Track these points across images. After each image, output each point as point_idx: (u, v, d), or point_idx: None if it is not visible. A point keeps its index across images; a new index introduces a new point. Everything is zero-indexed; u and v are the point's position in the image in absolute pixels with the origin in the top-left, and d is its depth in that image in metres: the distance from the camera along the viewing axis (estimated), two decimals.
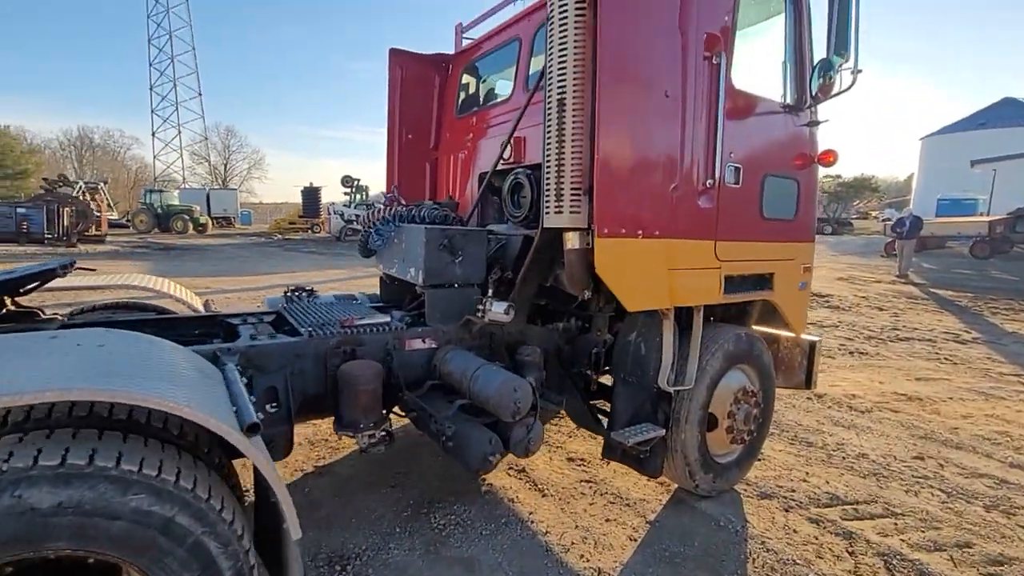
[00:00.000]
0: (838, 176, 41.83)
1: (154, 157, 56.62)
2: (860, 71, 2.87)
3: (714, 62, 2.72)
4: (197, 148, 60.24)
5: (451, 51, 4.39)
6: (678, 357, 2.97)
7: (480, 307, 2.83)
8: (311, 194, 33.30)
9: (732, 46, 2.81)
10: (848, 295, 11.79)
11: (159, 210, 30.79)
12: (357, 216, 27.59)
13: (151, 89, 55.93)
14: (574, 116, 2.40)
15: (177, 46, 56.18)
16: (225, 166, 67.23)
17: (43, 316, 2.68)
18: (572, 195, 2.45)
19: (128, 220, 30.91)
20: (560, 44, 2.41)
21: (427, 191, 4.56)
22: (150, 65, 55.60)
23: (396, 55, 4.30)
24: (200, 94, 58.66)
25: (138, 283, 3.20)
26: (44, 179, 24.94)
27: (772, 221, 3.20)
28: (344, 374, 2.48)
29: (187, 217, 30.71)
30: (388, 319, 2.90)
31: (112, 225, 26.11)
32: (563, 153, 2.43)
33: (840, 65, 2.84)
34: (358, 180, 30.22)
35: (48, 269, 2.63)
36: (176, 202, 32.66)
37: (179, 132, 57.37)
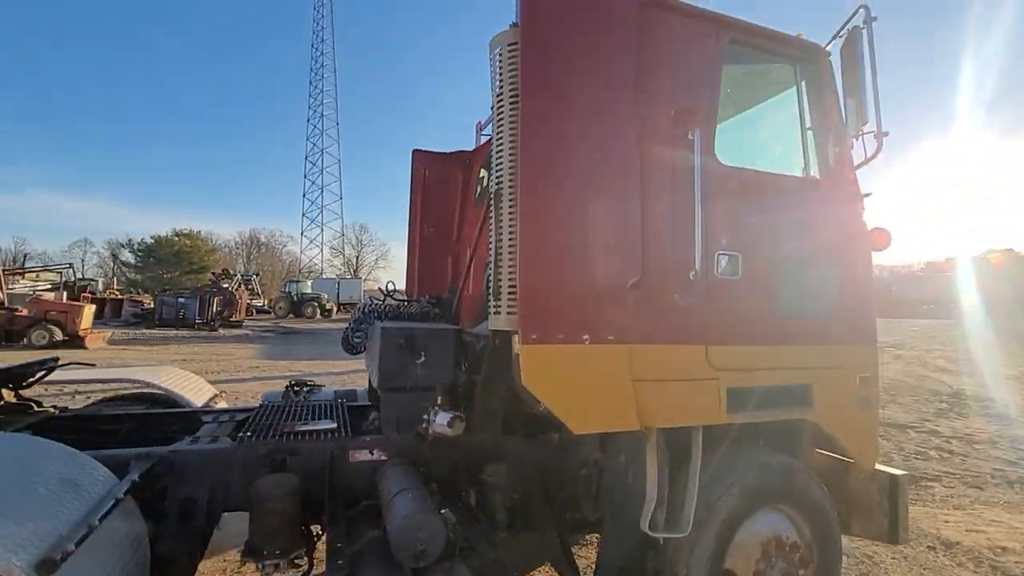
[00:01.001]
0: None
1: (300, 252, 66.47)
2: (886, 133, 2.30)
3: (689, 138, 2.34)
4: (335, 243, 69.34)
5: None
6: (671, 492, 2.34)
7: (426, 416, 2.51)
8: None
9: (713, 120, 2.42)
10: (1020, 400, 9.31)
11: (294, 298, 35.01)
12: None
13: (304, 196, 67.02)
14: (509, 207, 2.14)
15: (326, 159, 67.35)
16: (357, 258, 76.33)
17: (36, 409, 2.88)
18: (509, 293, 2.13)
19: (270, 307, 35.51)
20: (497, 131, 2.23)
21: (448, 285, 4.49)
22: (304, 177, 67.10)
23: (419, 155, 4.46)
24: (341, 198, 68.79)
25: (142, 377, 3.41)
26: (212, 272, 29.91)
27: (801, 320, 2.55)
28: (252, 490, 2.26)
29: (316, 304, 34.51)
30: (333, 426, 2.69)
31: (257, 311, 30.14)
32: (501, 247, 2.16)
33: (859, 131, 2.29)
34: None
35: (45, 362, 2.85)
36: (308, 291, 37.02)
37: (322, 231, 67.12)
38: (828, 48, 2.62)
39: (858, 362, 2.68)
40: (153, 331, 19.41)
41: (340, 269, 69.09)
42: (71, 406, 3.32)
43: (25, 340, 13.32)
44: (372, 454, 2.64)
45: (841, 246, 2.68)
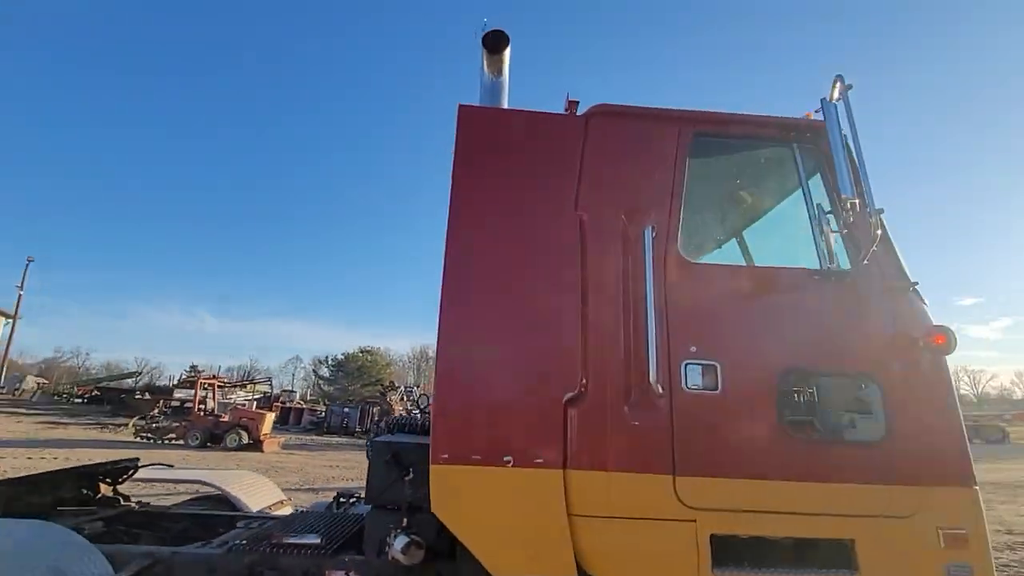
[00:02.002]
0: None
1: None
2: (881, 211, 1.86)
3: (648, 238, 2.15)
4: None
5: None
6: None
7: (388, 539, 2.40)
8: None
9: (676, 215, 2.21)
10: None
11: None
12: None
13: None
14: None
15: None
16: None
17: (122, 503, 3.42)
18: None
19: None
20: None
21: None
22: None
23: None
24: None
25: (206, 479, 3.86)
26: (381, 384, 33.48)
27: (829, 447, 1.98)
28: None
29: None
30: (317, 541, 2.70)
31: None
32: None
33: (848, 213, 1.89)
34: None
35: (132, 461, 3.44)
36: None
37: None
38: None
39: (939, 510, 1.93)
40: (321, 438, 21.92)
41: None
42: (167, 501, 3.89)
43: (223, 443, 16.08)
44: (348, 575, 2.57)
45: (887, 350, 2.09)
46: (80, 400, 29.40)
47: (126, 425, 19.25)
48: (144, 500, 3.68)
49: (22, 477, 3.11)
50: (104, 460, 3.50)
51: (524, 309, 2.07)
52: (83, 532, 2.63)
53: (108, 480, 3.50)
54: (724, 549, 1.85)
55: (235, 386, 27.73)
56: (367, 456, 3.47)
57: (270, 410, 19.50)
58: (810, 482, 1.92)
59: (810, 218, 2.30)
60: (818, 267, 2.18)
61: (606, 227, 2.19)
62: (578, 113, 2.46)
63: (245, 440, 16.06)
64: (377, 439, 2.74)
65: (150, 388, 31.30)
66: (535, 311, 2.07)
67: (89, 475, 3.38)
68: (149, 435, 16.99)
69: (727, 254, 2.76)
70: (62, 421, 20.95)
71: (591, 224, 2.19)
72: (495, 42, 2.57)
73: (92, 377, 41.58)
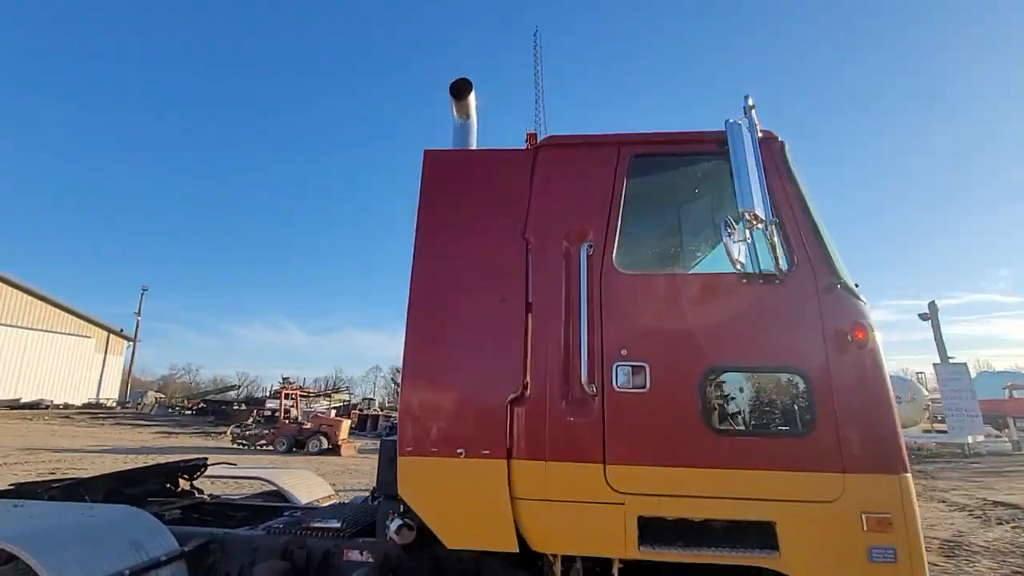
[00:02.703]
0: None
1: None
2: (776, 221, 2.02)
3: (586, 254, 2.43)
4: None
5: None
6: None
7: (388, 522, 2.82)
8: None
9: (612, 232, 2.46)
10: None
11: None
12: None
13: None
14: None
15: None
16: None
17: (196, 496, 4.12)
18: None
19: None
20: None
21: None
22: None
23: None
24: None
25: (263, 476, 4.49)
26: None
27: (753, 437, 2.16)
28: (253, 571, 2.85)
29: None
30: (337, 525, 3.17)
31: None
32: None
33: (748, 221, 2.07)
34: None
35: (202, 460, 4.14)
36: None
37: None
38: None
39: (864, 495, 2.05)
40: None
41: None
42: (227, 493, 4.59)
43: (305, 448, 17.56)
44: (362, 555, 3.01)
45: (812, 346, 2.22)
46: (189, 412, 32.92)
47: (225, 433, 21.47)
48: (215, 493, 4.38)
49: (120, 472, 3.86)
50: (180, 460, 4.23)
51: (476, 324, 2.42)
52: (163, 518, 3.27)
53: (185, 476, 4.22)
54: (652, 528, 2.09)
55: (318, 396, 29.89)
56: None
57: (348, 417, 20.92)
58: (730, 469, 2.11)
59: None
60: (750, 271, 2.35)
61: (549, 247, 2.49)
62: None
63: (325, 445, 17.42)
64: (386, 439, 3.17)
65: (247, 399, 34.46)
66: (485, 325, 2.41)
67: (170, 472, 4.10)
68: (244, 442, 18.87)
69: (680, 261, 2.95)
70: (174, 431, 23.68)
71: (536, 246, 2.50)
72: (460, 89, 2.94)
73: (199, 391, 46.29)
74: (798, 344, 2.23)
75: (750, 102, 2.21)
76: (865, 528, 2.01)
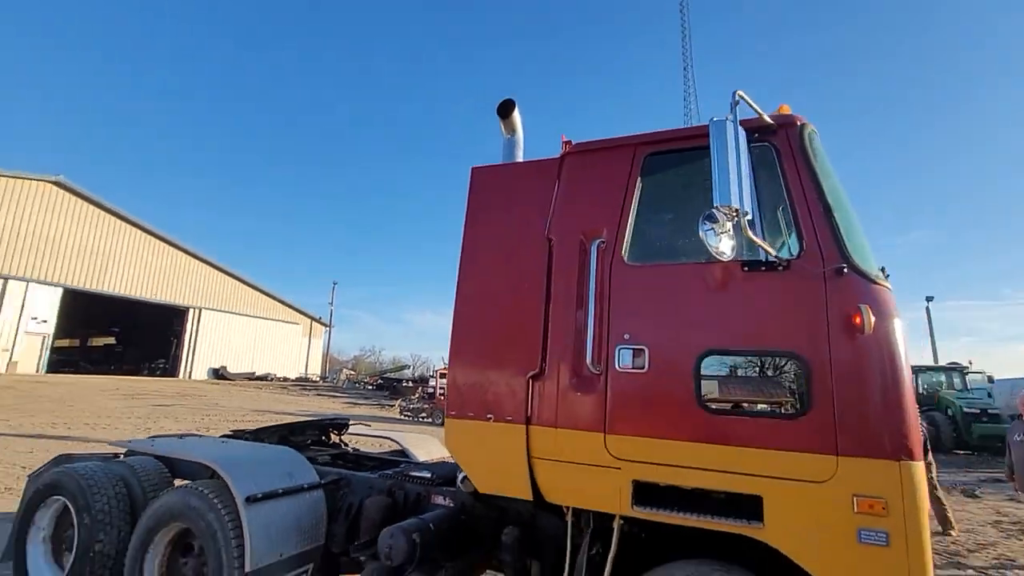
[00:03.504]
0: None
1: None
2: (747, 214, 2.10)
3: (598, 249, 2.73)
4: None
5: None
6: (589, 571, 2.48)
7: (463, 475, 3.45)
8: None
9: (624, 228, 2.71)
10: None
11: None
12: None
13: None
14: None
15: None
16: None
17: (342, 447, 5.28)
18: None
19: None
20: None
21: None
22: None
23: None
24: None
25: (391, 437, 5.49)
26: None
27: (739, 416, 2.29)
28: (363, 503, 3.70)
29: None
30: (429, 475, 3.91)
31: None
32: None
33: (732, 216, 2.18)
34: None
35: (346, 418, 5.27)
36: None
37: None
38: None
39: (858, 479, 2.07)
40: None
41: None
42: (367, 449, 5.72)
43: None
44: (444, 499, 3.71)
45: (812, 331, 2.25)
46: (371, 387, 38.66)
47: (395, 406, 24.92)
48: (356, 447, 5.53)
49: (288, 424, 5.15)
50: (329, 417, 5.43)
51: (506, 315, 2.89)
52: (314, 461, 4.36)
53: (334, 430, 5.42)
54: (645, 491, 2.37)
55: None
56: None
57: None
58: (719, 445, 2.27)
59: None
60: (755, 259, 2.43)
61: (568, 245, 2.83)
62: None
63: None
64: None
65: (415, 378, 39.22)
66: (512, 315, 2.87)
67: (322, 427, 5.32)
68: (409, 414, 21.79)
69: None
70: (358, 402, 28.15)
71: (557, 244, 2.86)
72: (504, 108, 3.39)
73: (380, 370, 53.64)
74: (797, 329, 2.27)
75: (736, 98, 2.28)
76: (856, 510, 2.04)
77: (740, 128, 2.24)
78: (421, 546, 2.98)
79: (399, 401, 24.87)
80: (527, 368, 2.73)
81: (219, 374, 36.05)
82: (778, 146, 2.56)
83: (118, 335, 46.45)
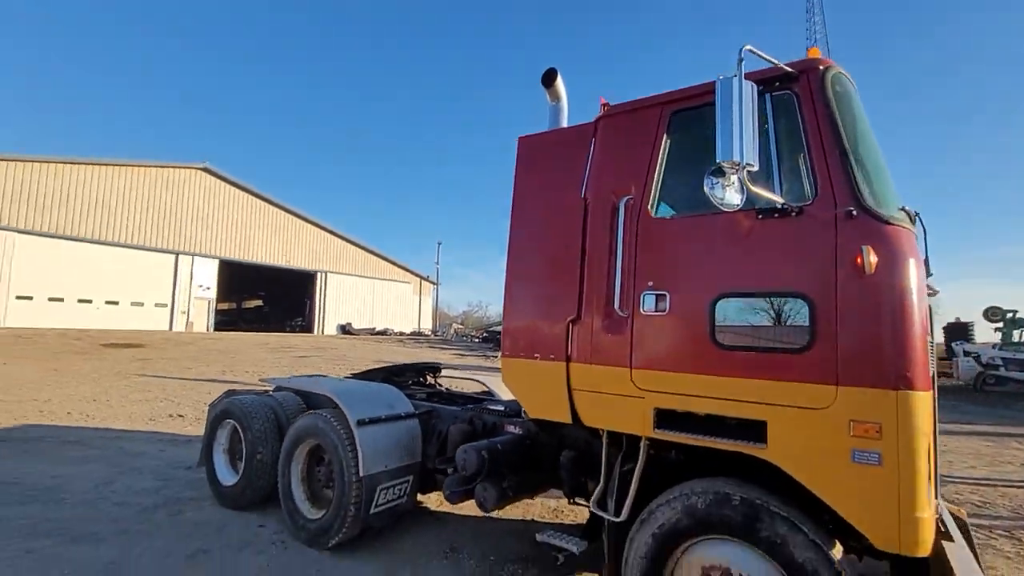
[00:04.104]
0: None
1: None
2: (749, 166, 2.25)
3: (626, 206, 3.01)
4: None
5: None
6: (621, 485, 2.93)
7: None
8: (957, 331, 27.73)
9: (651, 185, 2.95)
10: None
11: None
12: (1002, 361, 21.27)
13: None
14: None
15: None
16: None
17: (437, 387, 6.13)
18: None
19: None
20: None
21: None
22: None
23: None
24: None
25: (479, 379, 6.21)
26: None
27: (747, 351, 2.53)
28: (449, 429, 4.43)
29: None
30: (502, 408, 4.53)
31: None
32: None
33: (735, 167, 2.35)
34: (1014, 312, 23.19)
35: (437, 365, 6.10)
36: None
37: None
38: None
39: (856, 406, 2.26)
40: None
41: None
42: (459, 389, 6.54)
43: None
44: (514, 428, 4.33)
45: (818, 272, 2.39)
46: (477, 340, 41.15)
47: (496, 357, 26.50)
48: (449, 388, 6.37)
49: (391, 366, 6.08)
50: (425, 362, 6.30)
51: (548, 271, 3.30)
52: (413, 397, 5.20)
53: (430, 373, 6.28)
54: (665, 417, 2.73)
55: None
56: None
57: None
58: (730, 377, 2.55)
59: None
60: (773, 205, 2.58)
61: (600, 205, 3.14)
62: None
63: None
64: None
65: None
66: (554, 268, 3.27)
67: (419, 369, 6.21)
68: None
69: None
70: (464, 353, 30.29)
71: (592, 203, 3.18)
72: (548, 77, 3.67)
73: (486, 324, 56.54)
74: (806, 271, 2.42)
75: (742, 55, 2.37)
76: (851, 433, 2.24)
77: (748, 83, 2.36)
78: (489, 461, 3.63)
79: (499, 353, 26.47)
80: (567, 314, 3.15)
81: (345, 330, 40.57)
82: (799, 92, 2.61)
83: (264, 298, 53.74)
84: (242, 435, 4.98)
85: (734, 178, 2.35)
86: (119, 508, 4.91)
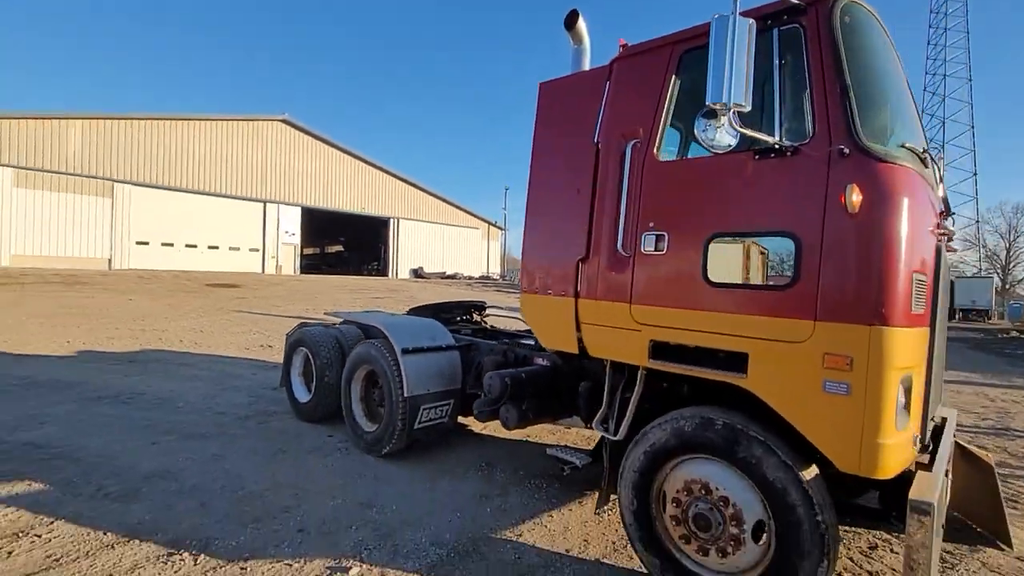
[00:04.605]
0: None
1: None
2: (739, 107, 2.29)
3: (633, 149, 3.12)
4: (967, 233, 55.75)
5: None
6: (621, 409, 3.24)
7: None
8: None
9: (657, 126, 3.02)
10: None
11: None
12: None
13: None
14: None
15: (948, 129, 55.50)
16: (1008, 251, 59.51)
17: (482, 324, 6.60)
18: None
19: None
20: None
21: None
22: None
23: None
24: (975, 174, 55.10)
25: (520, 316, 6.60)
26: None
27: (734, 288, 2.66)
28: (484, 359, 4.88)
29: None
30: (532, 342, 4.90)
31: None
32: None
33: (724, 108, 2.39)
34: None
35: (482, 302, 6.54)
36: None
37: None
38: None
39: (831, 340, 2.37)
40: None
41: (975, 266, 55.46)
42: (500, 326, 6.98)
43: None
44: (543, 360, 4.70)
45: (805, 211, 2.44)
46: None
47: None
48: (494, 325, 6.83)
49: (438, 303, 6.60)
50: (471, 300, 6.77)
51: (561, 210, 3.50)
52: (458, 332, 5.70)
53: (475, 311, 6.76)
54: (660, 348, 2.96)
55: None
56: None
57: None
58: (718, 312, 2.71)
59: (774, 96, 2.64)
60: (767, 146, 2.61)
61: (611, 147, 3.26)
62: None
63: None
64: None
65: None
66: (567, 211, 3.46)
67: (465, 307, 6.69)
68: None
69: None
70: None
71: (603, 147, 3.30)
72: (569, 19, 3.70)
73: None
74: (795, 210, 2.48)
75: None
76: (824, 365, 2.37)
77: (745, 21, 2.34)
78: (511, 386, 4.04)
79: None
80: (576, 254, 3.38)
81: (418, 274, 42.54)
82: (805, 25, 2.56)
83: (344, 243, 57.04)
84: (312, 360, 5.76)
85: (724, 119, 2.41)
86: (220, 416, 5.93)
